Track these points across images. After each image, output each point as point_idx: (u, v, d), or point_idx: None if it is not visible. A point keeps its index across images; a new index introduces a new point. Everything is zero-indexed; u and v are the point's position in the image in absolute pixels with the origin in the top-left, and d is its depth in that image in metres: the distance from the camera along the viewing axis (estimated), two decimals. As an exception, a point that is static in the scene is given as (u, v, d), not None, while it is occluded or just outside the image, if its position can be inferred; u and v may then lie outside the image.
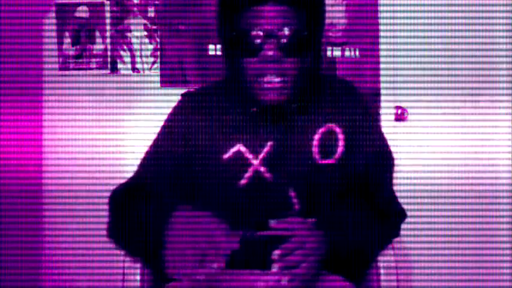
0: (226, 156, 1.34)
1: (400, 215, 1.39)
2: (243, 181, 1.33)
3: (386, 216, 1.35)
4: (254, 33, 1.25)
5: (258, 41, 1.25)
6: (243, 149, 1.34)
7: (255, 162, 1.33)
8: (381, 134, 1.43)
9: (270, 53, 1.24)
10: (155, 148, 1.41)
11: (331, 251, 1.23)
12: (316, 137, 1.34)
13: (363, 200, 1.34)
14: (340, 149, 1.34)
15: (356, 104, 1.39)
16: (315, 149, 1.34)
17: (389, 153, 1.42)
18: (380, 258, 1.35)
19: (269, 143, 1.34)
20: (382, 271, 1.34)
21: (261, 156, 1.33)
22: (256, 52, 1.26)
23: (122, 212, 1.31)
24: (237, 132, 1.35)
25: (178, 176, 1.36)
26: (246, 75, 1.30)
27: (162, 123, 1.44)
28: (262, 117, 1.34)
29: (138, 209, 1.28)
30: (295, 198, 1.31)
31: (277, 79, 1.27)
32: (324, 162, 1.33)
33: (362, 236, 1.28)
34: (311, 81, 1.35)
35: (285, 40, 1.25)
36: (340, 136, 1.35)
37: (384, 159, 1.39)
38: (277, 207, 1.30)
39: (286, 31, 1.25)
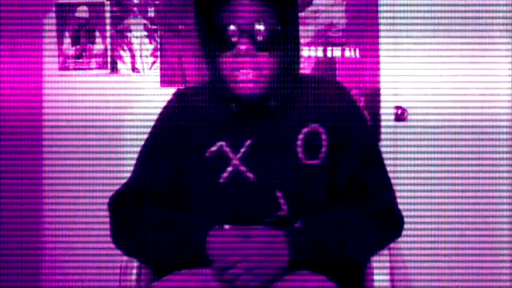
0: (208, 153, 1.35)
1: (394, 215, 1.37)
2: (221, 180, 1.33)
3: (378, 217, 1.33)
4: (229, 28, 1.28)
5: (233, 36, 1.28)
6: (225, 147, 1.35)
7: (235, 161, 1.34)
8: (368, 133, 1.41)
9: (244, 47, 1.27)
10: (147, 148, 1.42)
11: (315, 251, 1.23)
12: (300, 137, 1.34)
13: (353, 201, 1.32)
14: (324, 149, 1.34)
15: (340, 103, 1.38)
16: (299, 149, 1.33)
17: (378, 152, 1.40)
18: (373, 258, 1.34)
19: (248, 142, 1.34)
20: (375, 271, 1.33)
21: (239, 155, 1.34)
22: (231, 47, 1.28)
23: (127, 219, 1.33)
24: (221, 130, 1.36)
25: (170, 175, 1.37)
26: (222, 70, 1.32)
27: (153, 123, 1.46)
28: (242, 115, 1.35)
29: (143, 215, 1.32)
30: (282, 198, 1.31)
31: (252, 73, 1.29)
32: (309, 162, 1.33)
33: (348, 237, 1.27)
34: (289, 79, 1.36)
35: (259, 35, 1.28)
36: (324, 136, 1.34)
37: (370, 159, 1.37)
38: (264, 208, 1.30)
39: (260, 26, 1.27)
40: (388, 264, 1.32)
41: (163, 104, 1.48)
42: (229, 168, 1.33)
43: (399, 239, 1.38)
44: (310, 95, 1.39)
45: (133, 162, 1.45)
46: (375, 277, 1.31)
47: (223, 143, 1.35)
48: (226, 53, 1.29)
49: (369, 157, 1.37)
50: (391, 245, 1.36)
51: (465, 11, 2.41)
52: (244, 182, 1.32)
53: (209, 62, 1.35)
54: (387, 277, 1.31)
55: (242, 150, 1.34)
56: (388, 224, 1.34)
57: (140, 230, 1.30)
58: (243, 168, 1.33)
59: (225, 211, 1.31)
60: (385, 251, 1.35)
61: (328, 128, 1.35)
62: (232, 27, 1.27)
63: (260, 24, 1.27)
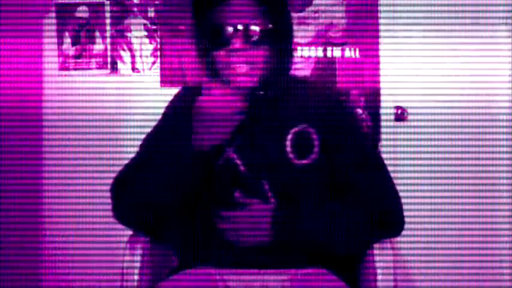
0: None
1: (390, 214, 1.38)
2: (215, 169, 1.37)
3: (370, 215, 1.34)
4: (224, 28, 1.32)
5: (227, 34, 1.32)
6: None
7: (229, 148, 1.37)
8: (360, 134, 1.44)
9: (237, 45, 1.32)
10: (150, 141, 1.47)
11: (298, 234, 1.29)
12: (290, 137, 1.37)
13: (344, 201, 1.34)
14: (315, 150, 1.36)
15: (331, 104, 1.41)
16: (288, 149, 1.36)
17: (370, 153, 1.42)
18: (377, 258, 1.34)
19: (241, 136, 1.37)
20: (378, 271, 1.33)
21: (234, 143, 1.37)
22: (225, 45, 1.33)
23: (130, 192, 1.41)
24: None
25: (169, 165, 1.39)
26: (217, 65, 1.37)
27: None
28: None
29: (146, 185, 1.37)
30: (270, 191, 1.34)
31: (246, 67, 1.34)
32: (299, 162, 1.35)
33: (334, 227, 1.31)
34: (282, 78, 1.40)
35: (252, 34, 1.32)
36: (314, 137, 1.37)
37: (362, 159, 1.39)
38: (252, 198, 1.34)
39: (253, 26, 1.32)
40: (392, 264, 1.33)
41: (163, 104, 1.51)
42: (224, 156, 1.37)
43: (400, 239, 1.39)
44: (302, 95, 1.42)
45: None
46: (378, 277, 1.31)
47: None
48: (220, 50, 1.34)
49: (362, 159, 1.38)
50: (394, 245, 1.37)
51: (465, 11, 2.41)
52: (236, 170, 1.37)
53: (204, 59, 1.40)
54: (391, 277, 1.31)
55: (235, 143, 1.37)
56: (382, 223, 1.35)
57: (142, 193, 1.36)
58: (234, 155, 1.37)
59: (214, 195, 1.37)
60: (389, 251, 1.35)
61: (319, 129, 1.37)
62: (227, 26, 1.32)
63: (253, 24, 1.32)
